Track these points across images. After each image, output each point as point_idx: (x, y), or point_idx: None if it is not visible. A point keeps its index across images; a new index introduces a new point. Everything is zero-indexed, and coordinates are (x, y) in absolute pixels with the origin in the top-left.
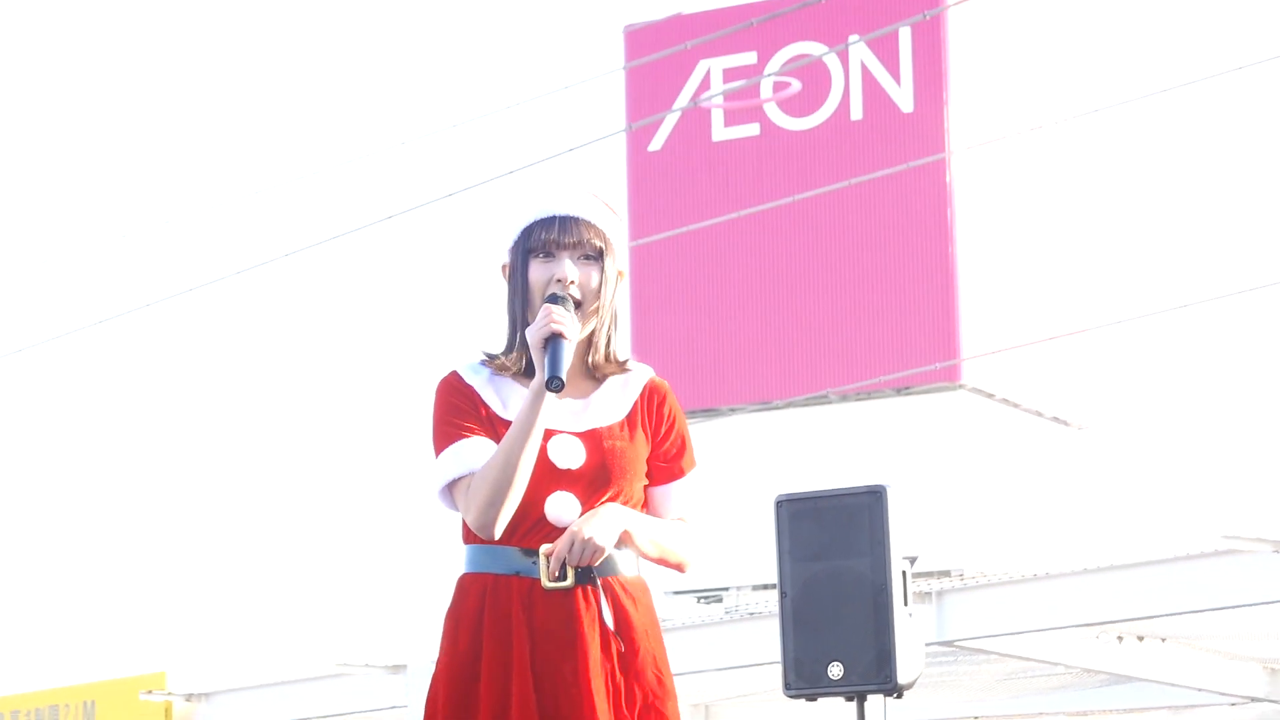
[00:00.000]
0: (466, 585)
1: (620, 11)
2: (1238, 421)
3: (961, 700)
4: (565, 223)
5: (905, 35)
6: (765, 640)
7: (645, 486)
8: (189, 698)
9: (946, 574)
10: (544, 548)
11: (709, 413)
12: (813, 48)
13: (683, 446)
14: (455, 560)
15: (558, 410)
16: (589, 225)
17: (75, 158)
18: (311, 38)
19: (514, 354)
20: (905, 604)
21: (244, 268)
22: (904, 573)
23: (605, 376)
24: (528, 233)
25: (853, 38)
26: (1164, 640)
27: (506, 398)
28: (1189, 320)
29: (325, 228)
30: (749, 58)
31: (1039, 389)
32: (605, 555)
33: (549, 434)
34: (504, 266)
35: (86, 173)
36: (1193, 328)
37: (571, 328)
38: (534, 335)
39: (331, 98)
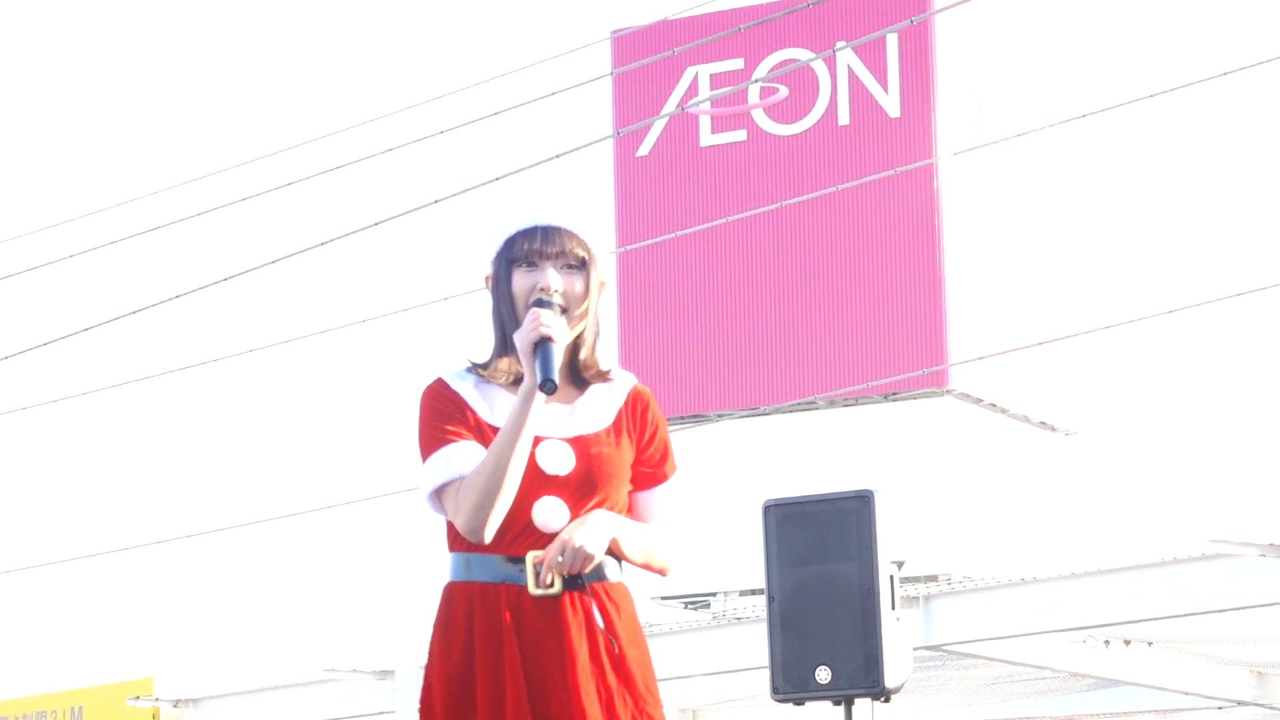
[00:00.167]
0: (454, 593)
1: (608, 17)
2: (1224, 426)
3: (949, 705)
4: (548, 233)
5: (892, 41)
6: (753, 645)
7: (629, 492)
8: (176, 703)
9: (934, 578)
10: (531, 555)
11: (697, 418)
12: (800, 54)
13: (665, 452)
14: (442, 566)
15: (545, 416)
16: (571, 235)
17: (48, 164)
18: (297, 43)
19: (503, 362)
20: (893, 608)
21: (230, 274)
22: (891, 577)
23: (590, 384)
24: (510, 243)
25: (840, 44)
26: (1151, 644)
27: (494, 404)
28: (1176, 325)
29: (311, 235)
30: (736, 64)
31: (1026, 394)
32: (595, 562)
33: (537, 440)
34: (487, 278)
35: (65, 178)
36: (1180, 333)
37: (560, 331)
38: (522, 339)
39: (317, 104)
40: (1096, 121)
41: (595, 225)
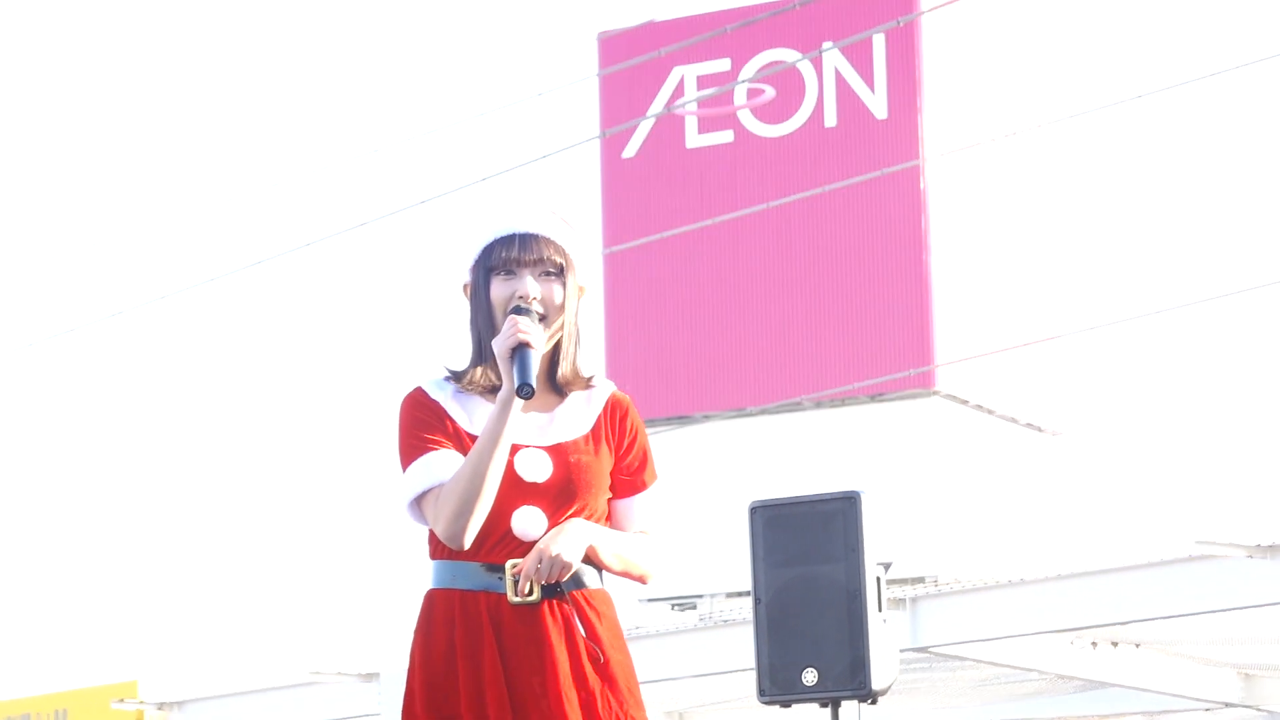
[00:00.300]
0: (434, 600)
1: (594, 18)
2: (1212, 427)
3: (936, 707)
4: (525, 240)
5: (879, 42)
6: (739, 647)
7: (608, 500)
8: (161, 706)
9: (921, 580)
10: (510, 563)
11: (683, 420)
12: (786, 55)
13: (644, 460)
14: (427, 568)
15: (523, 425)
16: (549, 242)
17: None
18: (283, 45)
19: (480, 370)
20: (879, 610)
21: (213, 276)
22: (878, 579)
23: (569, 391)
24: (488, 251)
25: (826, 44)
26: (1138, 646)
27: (472, 412)
28: (1163, 326)
29: (297, 235)
30: (723, 65)
31: (1013, 395)
32: (573, 571)
33: (516, 448)
34: (465, 285)
35: (42, 180)
36: (1168, 333)
37: (537, 337)
38: (500, 346)
39: (303, 105)
40: (1084, 122)
41: (578, 225)
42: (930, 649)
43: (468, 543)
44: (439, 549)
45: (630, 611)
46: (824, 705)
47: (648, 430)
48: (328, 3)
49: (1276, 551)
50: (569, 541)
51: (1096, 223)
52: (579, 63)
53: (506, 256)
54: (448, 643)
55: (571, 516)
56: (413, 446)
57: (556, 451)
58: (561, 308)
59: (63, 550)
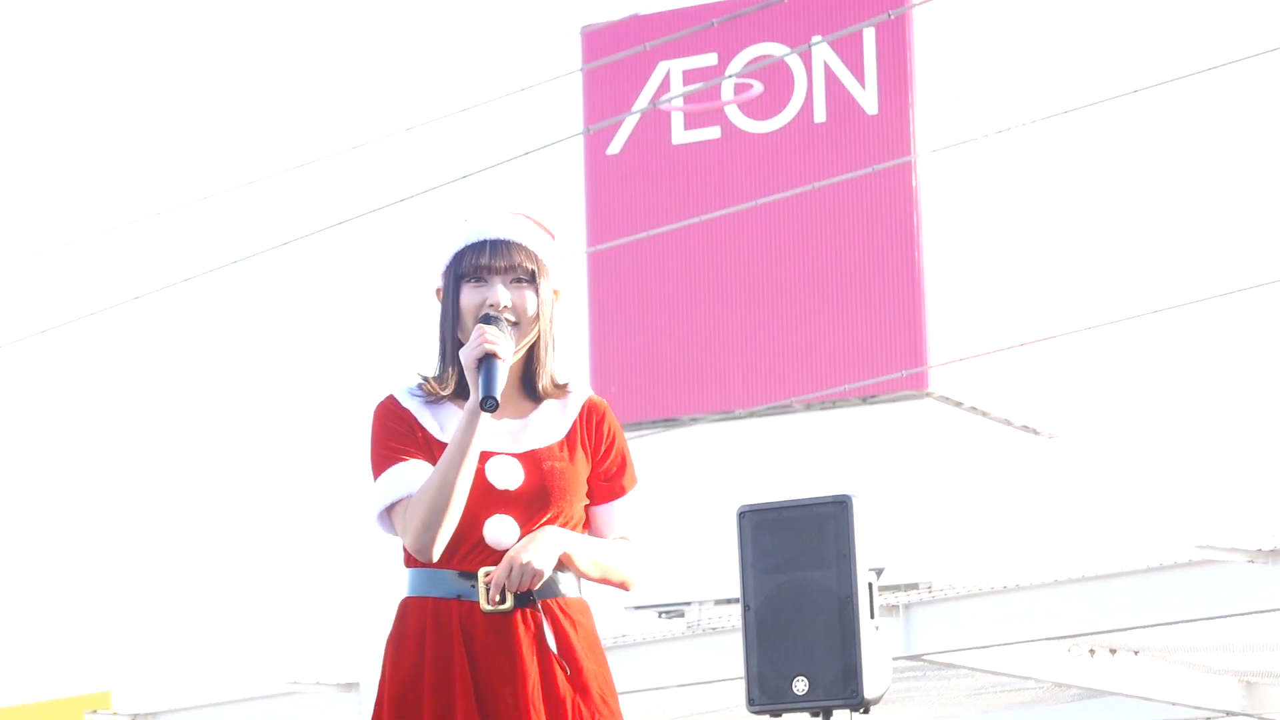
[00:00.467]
0: (407, 609)
1: (577, 12)
2: (1212, 428)
3: (930, 716)
4: (496, 246)
5: (869, 36)
6: (728, 655)
7: (586, 506)
8: (135, 717)
9: (914, 586)
10: (482, 571)
11: (669, 422)
12: (774, 49)
13: (623, 465)
14: (403, 578)
15: (495, 431)
16: (520, 248)
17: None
18: (261, 39)
19: (445, 377)
20: (872, 617)
21: (189, 275)
22: (870, 585)
23: (544, 398)
24: (459, 257)
25: (815, 38)
26: (1137, 653)
27: (444, 420)
28: (1162, 326)
29: (276, 234)
30: (709, 59)
31: (1008, 397)
32: (545, 579)
33: (487, 456)
34: (438, 290)
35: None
36: (1167, 333)
37: (505, 347)
38: (467, 355)
39: (280, 101)
40: (1080, 118)
41: (555, 226)
42: (924, 657)
43: (436, 555)
44: (413, 558)
45: (616, 619)
46: (815, 715)
47: (633, 434)
48: None
49: (1279, 556)
50: (540, 549)
51: (1095, 219)
52: (561, 57)
53: (477, 263)
54: (417, 652)
55: (546, 524)
56: (383, 457)
57: (529, 458)
58: (535, 315)
59: (32, 557)
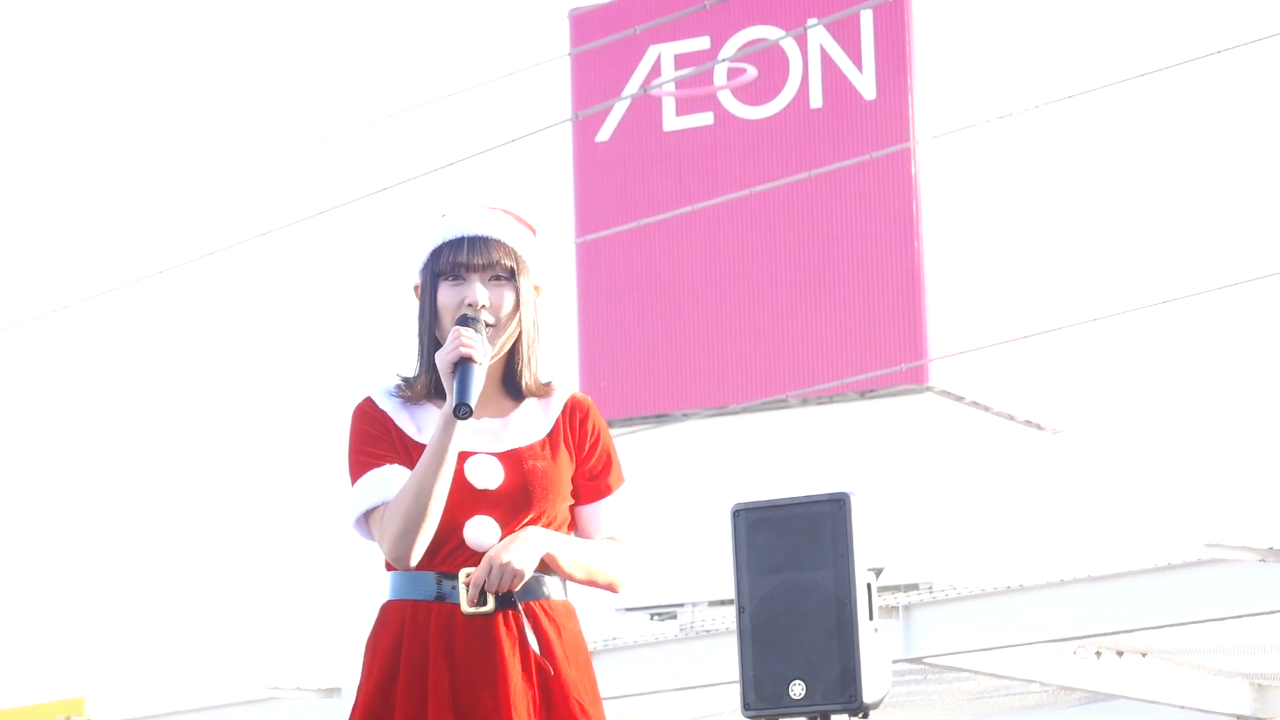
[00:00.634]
0: (387, 612)
1: None
2: (1220, 423)
3: None
4: (474, 244)
5: (867, 18)
6: (723, 658)
7: (572, 506)
8: None
9: (914, 587)
10: (463, 573)
11: (661, 418)
12: (769, 32)
13: (609, 463)
14: (385, 581)
15: (475, 431)
16: (499, 245)
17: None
18: (242, 26)
19: (428, 377)
20: (871, 619)
21: (165, 267)
22: (869, 585)
23: (526, 396)
24: (436, 254)
25: (811, 21)
26: (1145, 655)
27: (422, 422)
28: (1169, 318)
29: (259, 223)
30: (702, 43)
31: (1011, 391)
32: (526, 580)
33: (466, 455)
34: (416, 287)
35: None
36: (1174, 326)
37: (481, 351)
38: (443, 360)
39: (265, 87)
40: (1082, 104)
41: (538, 219)
42: (925, 660)
43: (414, 562)
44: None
45: (607, 622)
46: (812, 719)
47: (624, 430)
48: None
49: None
50: (521, 549)
51: (1102, 207)
52: (549, 41)
53: (454, 261)
54: (391, 655)
55: (528, 524)
56: (359, 462)
57: (510, 458)
58: (514, 313)
59: (4, 563)
